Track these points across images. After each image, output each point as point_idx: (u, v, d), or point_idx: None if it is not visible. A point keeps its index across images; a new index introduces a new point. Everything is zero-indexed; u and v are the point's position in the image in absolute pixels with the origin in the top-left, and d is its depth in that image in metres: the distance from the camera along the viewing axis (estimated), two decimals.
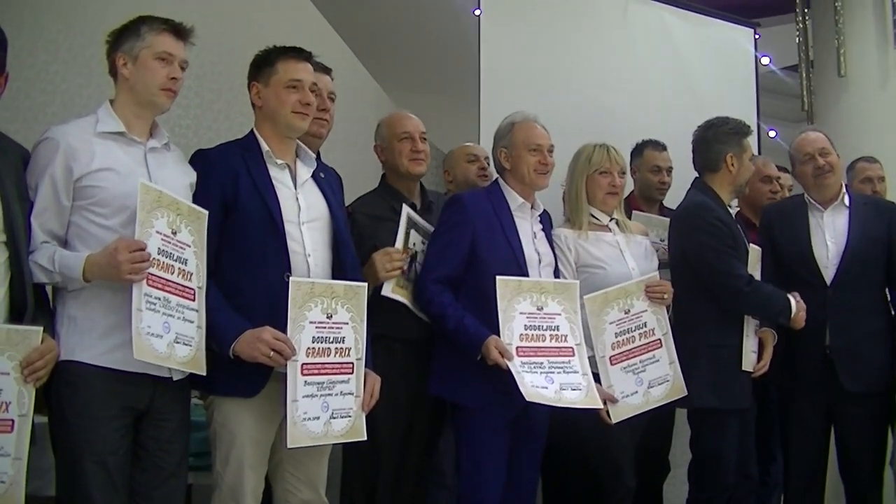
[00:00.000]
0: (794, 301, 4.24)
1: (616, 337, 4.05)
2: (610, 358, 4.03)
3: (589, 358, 3.94)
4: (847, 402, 4.42)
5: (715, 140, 4.44)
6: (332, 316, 3.30)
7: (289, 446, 3.17)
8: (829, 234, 4.56)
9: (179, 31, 3.23)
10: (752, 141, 4.48)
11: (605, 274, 4.14)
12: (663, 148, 5.38)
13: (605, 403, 3.92)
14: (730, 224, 4.33)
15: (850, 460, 4.54)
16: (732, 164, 4.40)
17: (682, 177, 5.21)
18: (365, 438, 3.38)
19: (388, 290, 3.83)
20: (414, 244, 3.98)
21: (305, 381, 3.21)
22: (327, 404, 3.26)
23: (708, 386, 4.19)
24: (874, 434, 4.51)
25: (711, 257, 4.27)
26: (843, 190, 4.67)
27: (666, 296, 4.13)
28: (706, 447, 4.34)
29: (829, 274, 4.48)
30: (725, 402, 4.23)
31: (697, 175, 4.54)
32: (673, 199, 5.07)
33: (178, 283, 3.04)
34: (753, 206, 5.23)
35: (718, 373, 4.22)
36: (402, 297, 3.90)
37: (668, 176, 5.35)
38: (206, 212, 3.19)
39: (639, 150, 5.39)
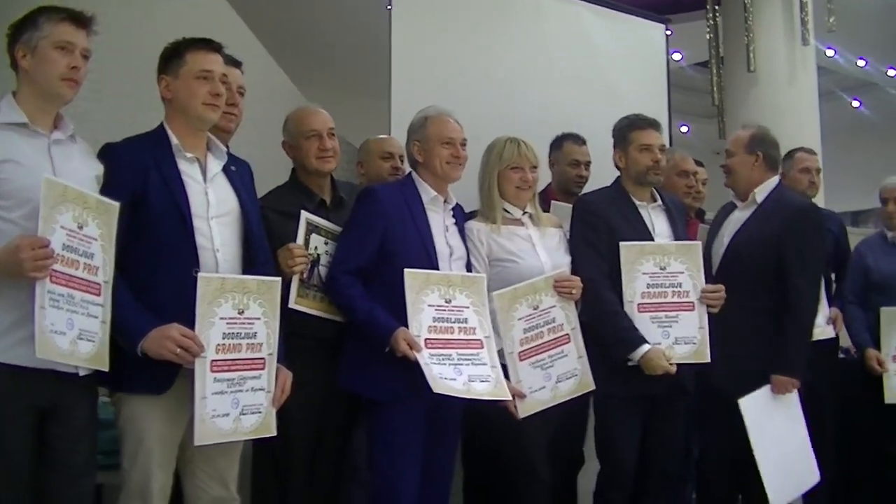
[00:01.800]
0: (658, 351, 4.19)
1: (525, 333, 4.06)
2: (518, 354, 4.04)
3: (499, 351, 3.95)
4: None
5: (614, 142, 4.53)
6: (243, 311, 3.27)
7: (196, 444, 3.14)
8: (728, 231, 4.63)
9: (79, 20, 3.15)
10: (647, 132, 4.45)
11: (517, 267, 4.14)
12: (583, 142, 5.41)
13: (513, 398, 3.93)
14: (606, 217, 4.35)
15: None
16: (621, 160, 4.47)
17: (596, 170, 5.28)
18: (275, 434, 3.36)
19: (292, 302, 3.80)
20: (315, 248, 3.95)
21: (215, 378, 3.18)
22: (237, 400, 3.23)
23: (601, 372, 4.20)
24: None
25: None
26: (760, 187, 4.69)
27: (574, 291, 4.14)
28: (598, 435, 4.44)
29: (715, 271, 4.56)
30: (617, 388, 4.26)
31: None
32: None
33: (82, 279, 2.97)
34: None
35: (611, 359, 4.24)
36: (305, 307, 3.87)
37: (586, 170, 5.38)
38: (116, 204, 3.12)
39: (558, 144, 5.41)
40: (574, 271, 4.25)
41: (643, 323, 4.23)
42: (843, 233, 5.69)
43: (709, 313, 4.29)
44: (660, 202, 4.49)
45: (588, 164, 5.38)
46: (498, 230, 4.16)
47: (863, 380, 5.36)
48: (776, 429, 4.42)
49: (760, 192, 4.67)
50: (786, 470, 4.42)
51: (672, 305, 4.27)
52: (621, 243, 4.25)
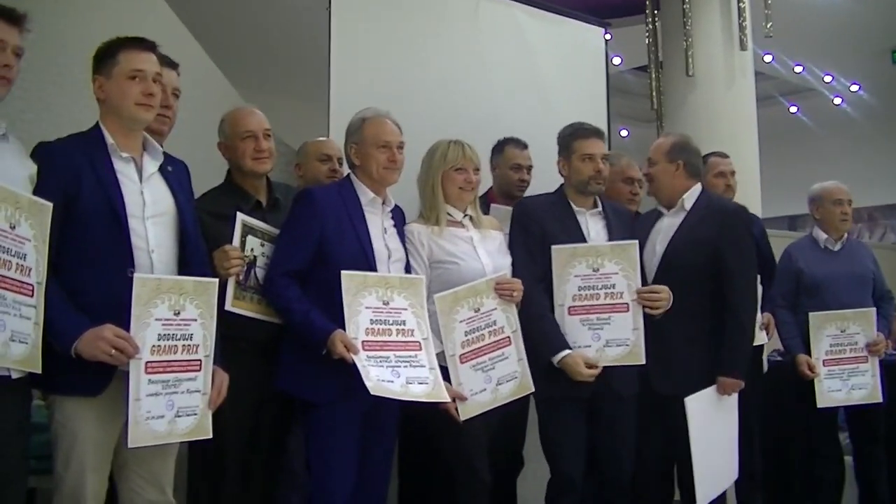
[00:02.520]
0: (577, 358, 4.21)
1: (466, 336, 4.08)
2: (460, 356, 4.05)
3: (439, 353, 3.96)
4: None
5: (558, 149, 4.55)
6: (179, 313, 3.25)
7: (130, 446, 3.11)
8: (661, 238, 4.65)
9: (11, 17, 3.10)
10: (590, 141, 4.47)
11: (458, 269, 4.15)
12: (524, 146, 5.41)
13: (454, 401, 3.94)
14: (541, 221, 4.38)
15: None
16: (564, 168, 4.50)
17: (535, 174, 5.29)
18: (210, 436, 3.33)
19: (229, 304, 3.78)
20: (252, 250, 3.92)
21: (150, 380, 3.15)
22: (172, 402, 3.21)
23: (537, 374, 4.22)
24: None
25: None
26: (687, 194, 4.71)
27: (515, 293, 4.16)
28: (542, 439, 4.44)
29: (651, 278, 4.56)
30: (550, 390, 4.28)
31: None
32: None
33: (14, 279, 2.91)
34: None
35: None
36: (242, 309, 3.85)
37: (528, 174, 5.39)
38: (49, 204, 3.07)
39: (500, 148, 5.42)
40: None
41: (573, 326, 4.27)
42: (763, 235, 5.74)
43: (649, 315, 4.30)
44: (599, 209, 4.51)
45: (530, 168, 5.38)
46: (439, 232, 4.17)
47: (794, 383, 5.43)
48: (714, 429, 4.46)
49: (688, 199, 4.69)
50: (715, 468, 4.47)
51: (604, 307, 4.28)
52: (553, 247, 4.29)
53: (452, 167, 4.21)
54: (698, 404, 4.37)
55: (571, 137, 4.50)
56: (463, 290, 4.08)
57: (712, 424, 4.44)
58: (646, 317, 4.33)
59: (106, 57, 3.37)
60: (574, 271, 4.28)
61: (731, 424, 4.59)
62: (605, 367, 4.24)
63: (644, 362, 4.27)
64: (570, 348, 4.22)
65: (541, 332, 4.24)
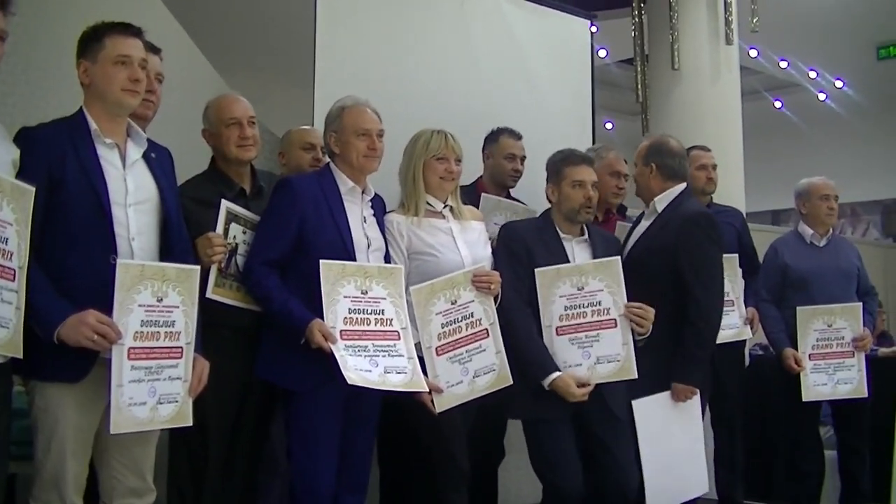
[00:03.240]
0: (567, 379, 4.20)
1: (443, 328, 4.07)
2: (436, 348, 4.04)
3: (416, 344, 3.96)
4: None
5: (546, 174, 4.54)
6: (162, 299, 3.24)
7: (112, 432, 3.11)
8: (631, 242, 4.67)
9: None
10: (581, 168, 4.43)
11: (436, 261, 4.15)
12: (519, 137, 5.40)
13: (430, 392, 3.95)
14: (527, 245, 4.36)
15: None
16: (553, 194, 4.47)
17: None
18: (191, 424, 3.33)
19: (210, 292, 3.77)
20: (234, 237, 3.92)
21: (132, 366, 3.14)
22: (154, 389, 3.20)
23: (529, 395, 4.25)
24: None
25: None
26: (660, 196, 4.74)
27: (493, 286, 4.15)
28: (534, 459, 4.39)
29: None
30: (544, 411, 4.29)
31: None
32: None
33: None
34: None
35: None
36: (223, 297, 3.85)
37: (521, 164, 5.38)
38: (32, 188, 3.04)
39: (494, 137, 5.41)
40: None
41: (562, 346, 4.26)
42: (745, 229, 5.76)
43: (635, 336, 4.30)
44: (585, 237, 4.49)
45: (523, 158, 5.38)
46: (419, 223, 4.17)
47: (778, 377, 5.45)
48: (668, 434, 4.47)
49: (661, 202, 4.72)
50: (671, 475, 4.45)
51: (592, 325, 4.27)
52: (536, 270, 4.27)
53: (434, 156, 4.21)
54: (647, 408, 4.39)
55: (562, 163, 4.47)
56: (440, 281, 4.07)
57: (666, 430, 4.45)
58: None
59: (92, 41, 3.34)
60: (559, 291, 4.27)
61: (692, 434, 4.58)
62: (598, 386, 4.24)
63: (636, 377, 4.26)
64: (559, 370, 4.20)
65: (530, 355, 4.23)
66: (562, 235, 4.44)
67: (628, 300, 4.28)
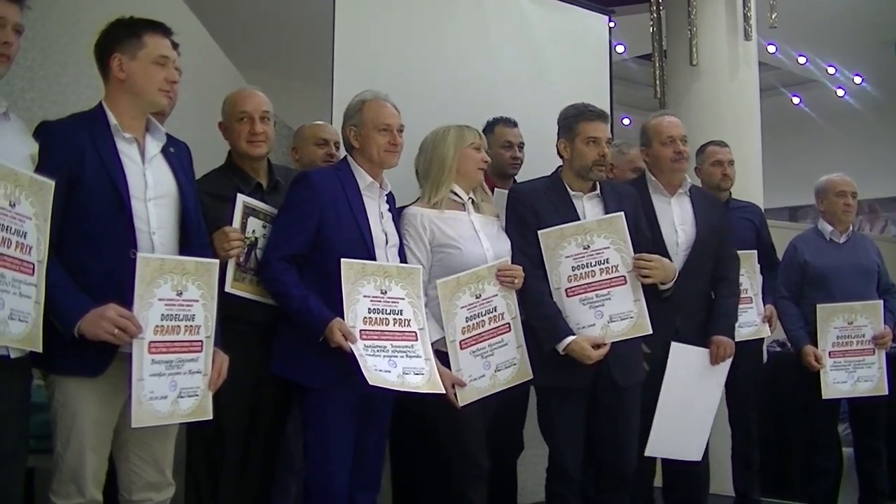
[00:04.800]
0: (582, 342, 4.16)
1: (466, 321, 4.07)
2: (460, 342, 4.04)
3: (439, 340, 3.97)
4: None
5: (558, 130, 4.47)
6: (182, 293, 3.25)
7: (133, 426, 3.11)
8: (678, 221, 4.64)
9: None
10: (595, 124, 4.38)
11: (460, 254, 4.13)
12: (514, 124, 5.40)
13: (453, 387, 3.95)
14: (535, 206, 4.32)
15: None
16: (565, 150, 4.40)
17: (537, 162, 5.26)
18: (210, 418, 3.34)
19: (229, 286, 3.76)
20: (253, 231, 3.91)
21: (153, 360, 3.15)
22: (175, 383, 3.21)
23: (536, 363, 4.22)
24: None
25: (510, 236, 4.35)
26: (686, 178, 4.79)
27: (516, 280, 4.15)
28: (541, 426, 4.42)
29: (678, 260, 4.55)
30: (550, 380, 4.27)
31: None
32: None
33: (14, 258, 2.90)
34: None
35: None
36: (242, 291, 3.85)
37: (520, 151, 5.37)
38: (51, 182, 3.05)
39: (489, 128, 5.37)
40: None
41: (573, 307, 4.21)
42: (764, 225, 5.75)
43: (659, 289, 4.33)
44: (597, 192, 4.45)
45: (521, 145, 5.37)
46: (440, 215, 4.16)
47: (798, 374, 5.43)
48: (691, 389, 4.52)
49: (688, 182, 4.79)
50: (677, 429, 4.49)
51: (602, 283, 4.22)
52: (540, 232, 4.22)
53: (472, 145, 4.23)
54: (683, 355, 4.45)
55: (575, 119, 4.40)
56: (465, 275, 4.07)
57: (690, 385, 4.50)
58: (679, 298, 4.45)
59: (130, 36, 3.34)
60: (564, 252, 4.22)
61: (709, 400, 4.63)
62: (605, 357, 4.20)
63: (651, 332, 4.25)
64: (573, 334, 4.17)
65: (542, 319, 4.20)
66: (571, 193, 4.39)
67: (692, 278, 4.37)
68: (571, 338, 4.15)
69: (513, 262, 4.21)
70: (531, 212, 4.31)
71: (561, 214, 4.32)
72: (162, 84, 3.35)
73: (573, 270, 4.23)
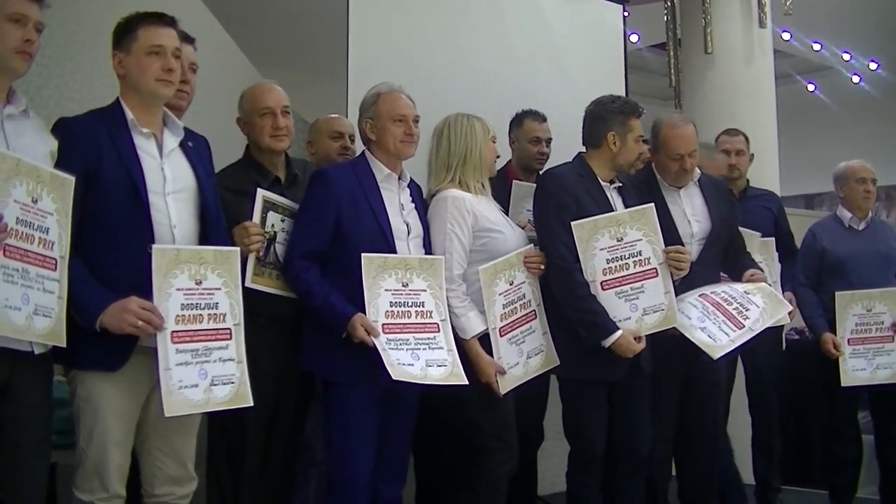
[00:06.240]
0: (628, 336, 4.15)
1: (503, 308, 4.10)
2: (499, 329, 4.07)
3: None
4: (699, 371, 4.54)
5: (599, 117, 4.41)
6: (201, 282, 3.27)
7: (167, 415, 3.12)
8: (690, 212, 4.63)
9: None
10: (639, 122, 4.42)
11: (504, 238, 4.17)
12: (543, 119, 5.39)
13: (495, 375, 4.00)
14: (576, 194, 4.28)
15: (691, 424, 4.69)
16: (614, 143, 4.36)
17: (553, 151, 5.27)
18: (251, 404, 3.36)
19: (249, 281, 3.76)
20: (272, 225, 3.92)
21: (177, 349, 3.17)
22: (205, 371, 3.23)
23: (568, 356, 4.23)
24: (719, 398, 4.79)
25: (542, 231, 4.35)
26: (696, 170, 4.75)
27: (543, 266, 4.18)
28: (567, 419, 4.40)
29: (693, 250, 4.53)
30: (583, 373, 4.27)
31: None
32: None
33: (38, 253, 2.92)
34: None
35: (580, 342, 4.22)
36: (262, 285, 3.85)
37: (547, 147, 5.36)
38: (72, 178, 3.08)
39: (518, 121, 5.40)
40: (543, 248, 4.27)
41: (609, 300, 4.19)
42: (782, 213, 5.74)
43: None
44: (618, 182, 4.47)
45: (549, 140, 5.36)
46: (477, 200, 4.16)
47: (817, 362, 5.41)
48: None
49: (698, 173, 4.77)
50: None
51: (635, 276, 4.22)
52: (573, 223, 4.19)
53: (493, 137, 4.30)
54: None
55: (630, 116, 4.40)
56: (500, 262, 4.11)
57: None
58: (695, 287, 4.44)
59: (125, 32, 3.36)
60: (598, 244, 4.19)
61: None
62: None
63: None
64: (619, 329, 4.15)
65: (588, 313, 4.17)
66: (602, 183, 4.39)
67: (708, 270, 4.44)
68: (619, 332, 4.14)
69: (553, 252, 4.22)
70: (572, 198, 4.28)
71: (599, 204, 4.31)
72: (158, 73, 3.33)
73: (608, 263, 4.21)
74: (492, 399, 4.03)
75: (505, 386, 4.04)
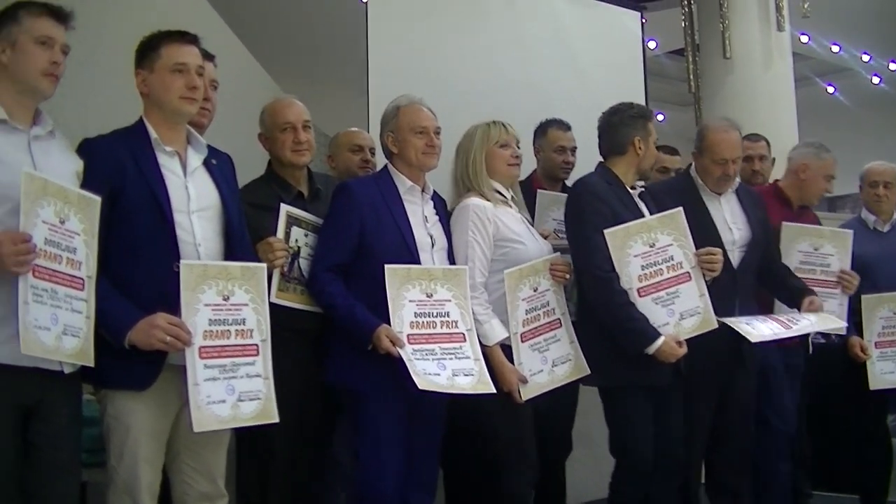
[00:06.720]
0: (670, 341, 4.13)
1: (526, 314, 4.09)
2: (521, 335, 4.06)
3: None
4: (740, 375, 4.56)
5: (622, 124, 4.41)
6: (228, 298, 3.28)
7: (195, 430, 3.13)
8: (730, 219, 4.62)
9: (59, 15, 3.13)
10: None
11: (525, 249, 4.16)
12: (567, 128, 5.38)
13: (517, 382, 3.98)
14: (611, 202, 4.27)
15: (728, 428, 4.66)
16: (640, 148, 4.38)
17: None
18: (277, 420, 3.36)
19: (273, 296, 3.76)
20: (296, 240, 3.93)
21: (205, 365, 3.18)
22: (233, 387, 3.23)
23: (611, 363, 4.21)
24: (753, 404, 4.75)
25: (578, 241, 4.30)
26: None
27: (568, 275, 4.18)
28: (615, 428, 4.35)
29: (735, 257, 4.54)
30: (629, 378, 4.24)
31: (602, 159, 4.51)
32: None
33: (66, 273, 2.94)
34: None
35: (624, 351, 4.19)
36: (287, 300, 3.85)
37: (572, 156, 5.34)
38: (98, 198, 3.10)
39: (542, 130, 5.39)
40: (580, 259, 4.25)
41: (647, 307, 4.17)
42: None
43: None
44: (639, 188, 4.47)
45: (574, 149, 5.34)
46: (498, 210, 4.15)
47: (844, 366, 5.37)
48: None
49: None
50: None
51: (669, 281, 4.20)
52: (606, 231, 4.17)
53: (497, 143, 4.21)
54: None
55: (648, 119, 4.46)
56: (526, 267, 4.11)
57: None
58: (739, 294, 4.48)
59: (148, 50, 3.38)
60: (632, 251, 4.18)
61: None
62: None
63: (717, 326, 4.23)
64: (661, 335, 4.13)
65: (631, 321, 4.14)
66: (629, 189, 4.40)
67: (748, 276, 4.46)
68: (662, 339, 4.12)
69: (591, 261, 4.19)
70: (608, 208, 4.26)
71: (631, 210, 4.32)
72: (181, 91, 3.35)
73: (642, 269, 4.20)
74: (510, 408, 4.01)
75: (527, 393, 4.03)
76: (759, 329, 4.33)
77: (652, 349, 4.11)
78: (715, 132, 4.62)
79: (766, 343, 4.39)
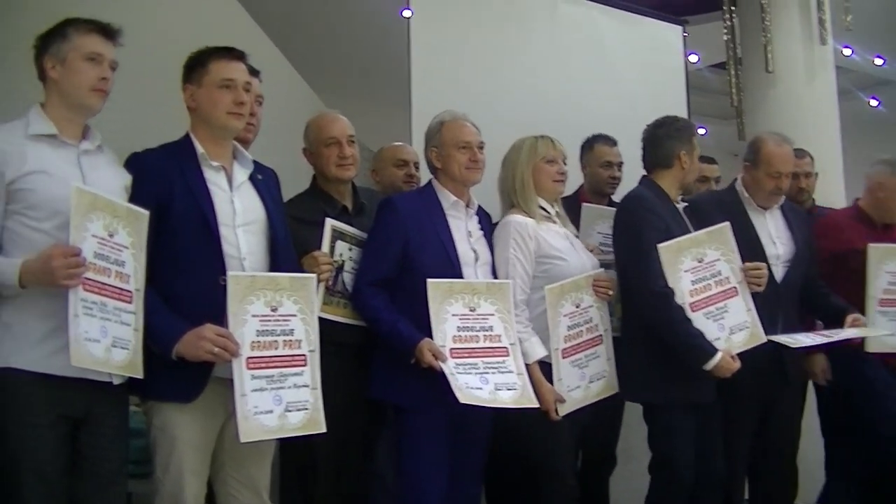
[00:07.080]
0: (726, 356, 4.11)
1: (568, 330, 4.09)
2: (562, 351, 4.05)
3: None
4: (785, 392, 4.56)
5: (667, 137, 4.43)
6: (277, 308, 3.30)
7: (242, 440, 3.15)
8: (774, 234, 4.61)
9: (107, 32, 3.19)
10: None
11: (567, 265, 4.15)
12: (613, 143, 5.37)
13: (554, 403, 3.96)
14: (664, 217, 4.27)
15: (774, 444, 4.65)
16: (685, 162, 4.39)
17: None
18: (324, 430, 3.36)
19: (318, 310, 3.75)
20: (341, 255, 3.95)
21: (252, 375, 3.20)
22: (280, 397, 3.25)
23: (660, 380, 4.21)
24: (798, 419, 4.77)
25: (631, 256, 4.29)
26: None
27: (611, 291, 4.18)
28: (658, 445, 4.33)
29: (779, 272, 4.52)
30: (676, 397, 4.23)
31: (645, 173, 4.52)
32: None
33: (114, 287, 2.99)
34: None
35: (670, 367, 4.19)
36: (331, 314, 3.87)
37: (618, 171, 5.34)
38: (146, 212, 3.15)
39: (589, 145, 5.39)
40: (635, 274, 4.23)
41: (699, 322, 4.15)
42: None
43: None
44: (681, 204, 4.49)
45: (620, 164, 5.33)
46: (540, 226, 4.15)
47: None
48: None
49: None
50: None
51: (718, 296, 4.20)
52: (660, 246, 4.15)
53: (545, 159, 4.22)
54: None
55: (693, 134, 4.48)
56: (568, 283, 4.10)
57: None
58: (782, 309, 4.45)
59: (196, 66, 3.42)
60: (682, 266, 4.17)
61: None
62: None
63: (765, 339, 4.22)
64: (719, 350, 4.11)
65: (691, 337, 4.12)
66: (674, 204, 4.42)
67: (792, 292, 4.47)
68: (720, 354, 4.10)
69: (649, 276, 4.16)
70: (663, 222, 4.26)
71: (679, 225, 4.32)
72: (229, 107, 3.38)
73: (693, 284, 4.19)
74: (546, 427, 4.00)
75: (563, 410, 4.01)
76: (799, 340, 4.32)
77: (710, 365, 4.09)
78: (773, 145, 4.61)
79: (808, 348, 4.39)
